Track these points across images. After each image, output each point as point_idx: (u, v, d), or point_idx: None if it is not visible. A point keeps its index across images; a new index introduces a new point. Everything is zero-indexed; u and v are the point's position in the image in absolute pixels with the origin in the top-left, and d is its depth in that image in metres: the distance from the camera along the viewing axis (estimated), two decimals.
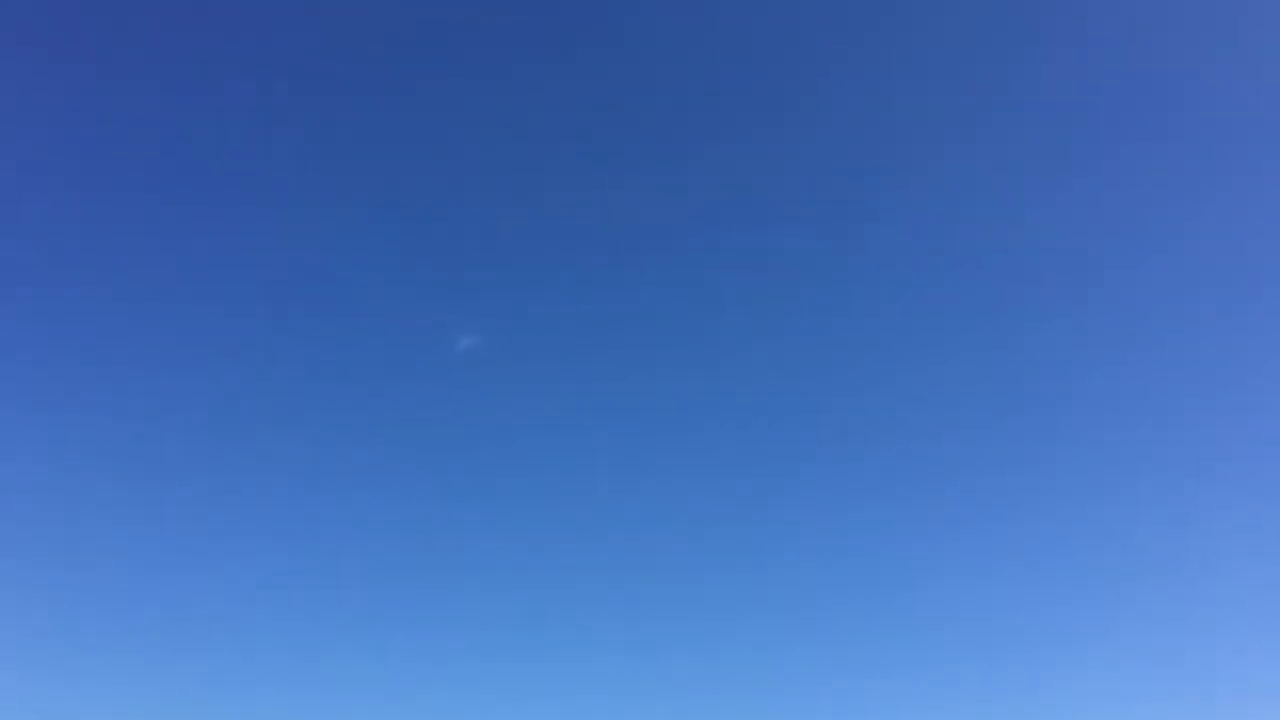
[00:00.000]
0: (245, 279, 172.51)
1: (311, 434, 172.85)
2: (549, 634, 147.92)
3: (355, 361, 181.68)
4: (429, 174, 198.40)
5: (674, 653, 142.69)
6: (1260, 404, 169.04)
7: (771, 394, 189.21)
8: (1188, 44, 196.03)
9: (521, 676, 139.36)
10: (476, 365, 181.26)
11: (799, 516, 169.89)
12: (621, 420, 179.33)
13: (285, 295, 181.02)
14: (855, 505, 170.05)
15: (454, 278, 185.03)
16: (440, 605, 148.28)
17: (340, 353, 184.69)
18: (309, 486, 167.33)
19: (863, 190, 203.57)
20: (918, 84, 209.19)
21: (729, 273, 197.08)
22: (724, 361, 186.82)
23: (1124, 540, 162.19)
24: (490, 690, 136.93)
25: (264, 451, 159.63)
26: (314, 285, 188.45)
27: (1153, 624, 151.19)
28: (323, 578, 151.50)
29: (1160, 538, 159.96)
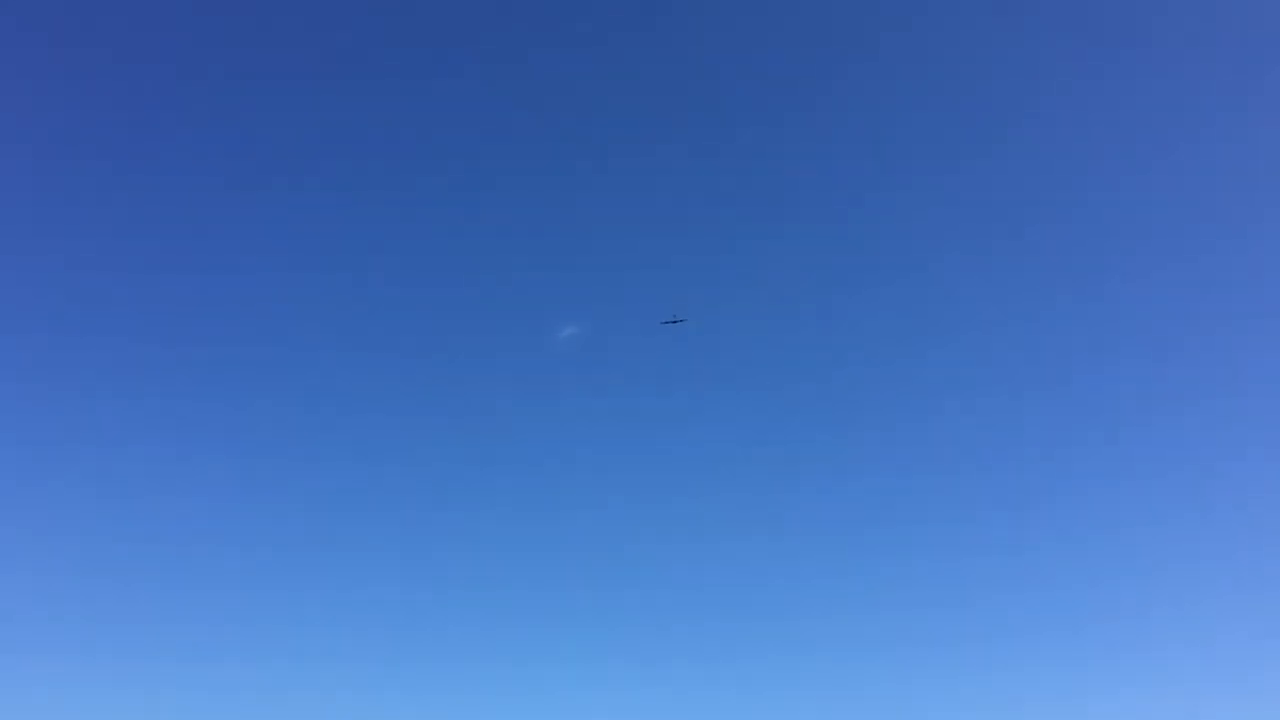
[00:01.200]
0: (375, 271, 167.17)
1: (425, 413, 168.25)
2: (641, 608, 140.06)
3: (469, 347, 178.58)
4: (539, 177, 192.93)
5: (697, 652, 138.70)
6: (1262, 409, 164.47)
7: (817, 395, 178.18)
8: (1196, 48, 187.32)
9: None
10: (576, 353, 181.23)
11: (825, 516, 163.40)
12: (707, 399, 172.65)
13: (402, 286, 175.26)
14: (865, 499, 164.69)
15: (558, 273, 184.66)
16: (539, 568, 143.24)
17: (456, 340, 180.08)
18: (415, 459, 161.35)
19: (881, 190, 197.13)
20: (928, 88, 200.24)
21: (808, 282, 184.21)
22: (790, 356, 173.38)
23: (1126, 541, 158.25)
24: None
25: (379, 428, 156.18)
26: (431, 277, 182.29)
27: (1153, 622, 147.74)
28: (424, 544, 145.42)
29: (1160, 539, 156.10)
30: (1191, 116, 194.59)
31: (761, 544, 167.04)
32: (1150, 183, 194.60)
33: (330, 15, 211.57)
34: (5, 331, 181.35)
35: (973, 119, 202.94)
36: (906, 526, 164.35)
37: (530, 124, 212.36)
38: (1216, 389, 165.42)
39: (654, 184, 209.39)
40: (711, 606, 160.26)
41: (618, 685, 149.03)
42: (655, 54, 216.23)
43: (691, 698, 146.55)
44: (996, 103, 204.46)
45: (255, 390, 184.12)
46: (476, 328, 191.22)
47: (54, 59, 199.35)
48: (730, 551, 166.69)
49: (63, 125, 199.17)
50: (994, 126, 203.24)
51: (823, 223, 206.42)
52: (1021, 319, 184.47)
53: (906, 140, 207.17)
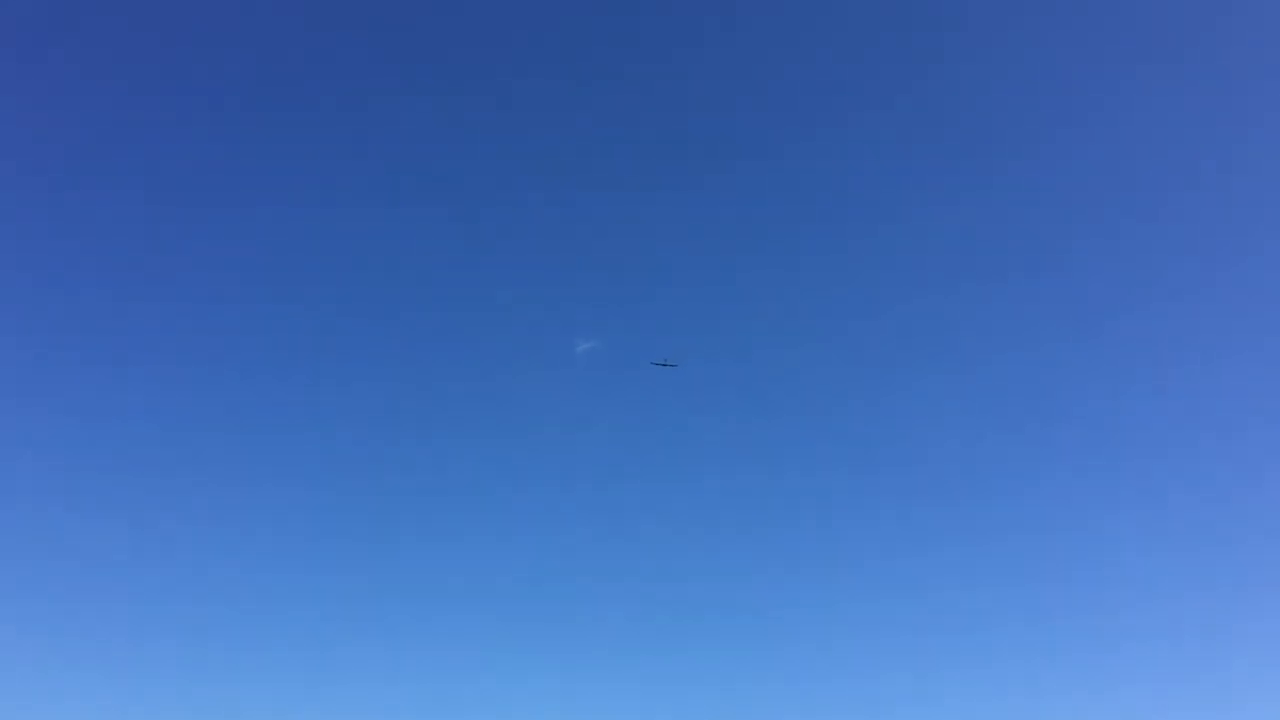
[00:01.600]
0: (397, 291, 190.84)
1: (449, 428, 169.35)
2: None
3: (491, 362, 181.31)
4: (559, 197, 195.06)
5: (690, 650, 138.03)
6: (1258, 418, 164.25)
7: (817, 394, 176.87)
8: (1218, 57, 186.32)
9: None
10: (594, 367, 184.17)
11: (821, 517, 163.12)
12: (721, 412, 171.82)
13: (427, 302, 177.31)
14: (864, 512, 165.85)
15: (576, 289, 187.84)
16: (565, 572, 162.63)
17: (479, 355, 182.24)
18: (445, 472, 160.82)
19: (885, 203, 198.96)
20: (941, 113, 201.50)
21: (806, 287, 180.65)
22: (791, 377, 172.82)
23: (1125, 548, 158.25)
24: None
25: (410, 445, 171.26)
26: (455, 294, 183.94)
27: (1150, 628, 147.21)
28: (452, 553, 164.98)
29: (1158, 547, 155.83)
30: (1209, 144, 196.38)
31: (771, 549, 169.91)
32: (1164, 206, 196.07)
33: (357, 32, 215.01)
34: (6, 347, 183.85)
35: (976, 149, 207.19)
36: (915, 542, 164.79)
37: (549, 145, 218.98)
38: (1228, 408, 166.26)
39: (670, 204, 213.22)
40: (725, 616, 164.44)
41: (627, 692, 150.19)
42: (677, 77, 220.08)
43: (702, 706, 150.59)
44: (1003, 130, 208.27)
45: (275, 400, 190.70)
46: (499, 340, 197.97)
47: (53, 61, 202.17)
48: (740, 555, 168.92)
49: (64, 133, 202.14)
50: (1000, 154, 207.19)
51: (838, 244, 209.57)
52: (1025, 344, 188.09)
53: (920, 166, 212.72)
